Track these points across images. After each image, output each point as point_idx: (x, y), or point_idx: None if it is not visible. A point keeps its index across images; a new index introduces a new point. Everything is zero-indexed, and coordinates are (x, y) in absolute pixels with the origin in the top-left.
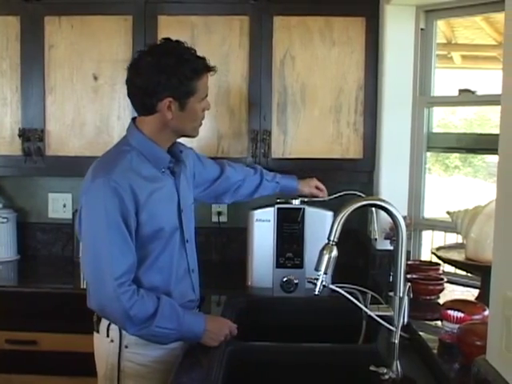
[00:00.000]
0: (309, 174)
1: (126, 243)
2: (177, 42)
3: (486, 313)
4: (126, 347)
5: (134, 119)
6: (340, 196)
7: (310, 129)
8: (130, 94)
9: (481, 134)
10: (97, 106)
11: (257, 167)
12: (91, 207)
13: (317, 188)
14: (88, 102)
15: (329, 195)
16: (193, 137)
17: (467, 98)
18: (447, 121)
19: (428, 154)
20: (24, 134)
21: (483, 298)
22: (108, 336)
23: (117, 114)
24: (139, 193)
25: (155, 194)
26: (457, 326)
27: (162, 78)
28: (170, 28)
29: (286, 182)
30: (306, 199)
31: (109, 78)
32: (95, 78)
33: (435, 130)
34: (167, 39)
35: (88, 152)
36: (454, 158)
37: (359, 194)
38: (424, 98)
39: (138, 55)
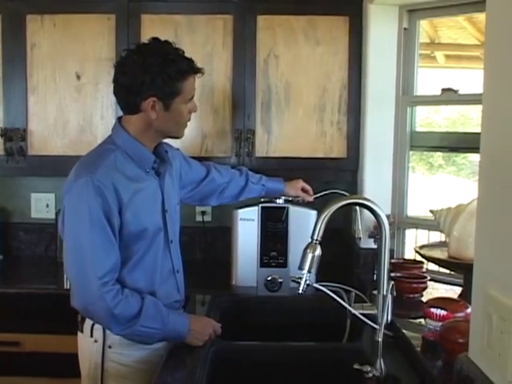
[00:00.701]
0: (293, 173)
1: (110, 242)
2: (165, 42)
3: (469, 310)
4: (110, 347)
5: (119, 118)
6: (324, 195)
7: (294, 128)
8: (115, 93)
9: (463, 133)
10: (80, 106)
11: (242, 169)
12: (74, 206)
13: (303, 189)
14: (71, 101)
15: (313, 194)
16: (177, 138)
17: (449, 97)
18: (431, 120)
19: (411, 152)
20: (6, 134)
21: (466, 296)
22: (92, 336)
23: (100, 114)
24: (123, 192)
25: (139, 194)
26: (440, 323)
27: (147, 77)
28: (154, 27)
29: (272, 185)
30: (290, 198)
31: (92, 77)
32: (78, 77)
33: (419, 129)
34: (155, 39)
35: (71, 151)
36: (438, 156)
37: (342, 192)
38: (407, 98)
39: (125, 54)
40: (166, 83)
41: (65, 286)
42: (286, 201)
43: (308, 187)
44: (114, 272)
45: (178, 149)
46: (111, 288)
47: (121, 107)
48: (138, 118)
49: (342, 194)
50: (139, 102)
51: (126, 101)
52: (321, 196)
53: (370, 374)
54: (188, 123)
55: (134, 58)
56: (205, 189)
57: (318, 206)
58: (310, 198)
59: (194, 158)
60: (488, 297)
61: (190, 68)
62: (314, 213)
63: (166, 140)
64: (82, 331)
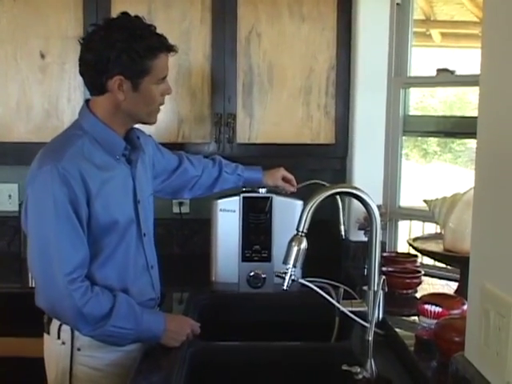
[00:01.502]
0: (277, 160)
1: (77, 235)
2: (136, 17)
3: (466, 307)
4: (79, 350)
5: (87, 101)
6: (307, 185)
7: (278, 112)
8: (81, 72)
9: (461, 117)
10: (45, 87)
11: (216, 158)
12: (38, 197)
13: (285, 179)
14: (35, 82)
15: (297, 183)
16: (149, 123)
17: (446, 78)
18: (426, 103)
19: (405, 138)
20: None
21: (462, 292)
22: (59, 338)
23: (67, 96)
24: (91, 182)
25: (109, 183)
26: (434, 321)
27: (112, 54)
28: (125, 2)
29: (249, 175)
30: (265, 190)
31: (57, 57)
32: (42, 57)
33: (412, 112)
34: (125, 13)
35: (35, 138)
36: (433, 142)
37: (323, 183)
38: (400, 79)
39: (92, 29)
40: (133, 60)
41: (30, 285)
42: (270, 190)
43: (290, 176)
44: (82, 268)
45: (150, 136)
46: (79, 285)
47: (88, 88)
48: (106, 100)
49: (322, 184)
50: (105, 80)
51: (92, 80)
52: (303, 186)
53: (360, 376)
54: (162, 107)
55: (100, 33)
56: (177, 180)
57: (304, 195)
58: (292, 189)
59: (169, 144)
60: (485, 292)
61: (160, 45)
62: (299, 203)
63: (138, 126)
64: (48, 333)
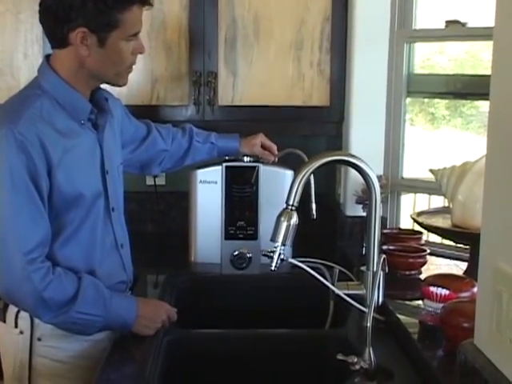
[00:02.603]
0: (264, 125)
1: (37, 209)
2: None
3: (476, 289)
4: (39, 340)
5: (47, 57)
6: (285, 154)
7: (266, 70)
8: (40, 20)
9: (472, 76)
10: None
11: (186, 127)
12: None
13: (263, 146)
14: None
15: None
16: (118, 85)
17: (456, 31)
18: (434, 61)
19: (409, 100)
20: None
21: (472, 272)
22: (16, 326)
23: (23, 51)
24: (51, 149)
25: (73, 151)
26: (440, 305)
27: (76, 1)
28: None
29: (223, 143)
30: (251, 159)
31: (11, 5)
32: None
33: (418, 71)
34: None
35: None
36: (441, 105)
37: (299, 152)
38: (404, 32)
39: None
40: (99, 11)
41: None
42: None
43: (269, 143)
44: (43, 246)
45: (118, 99)
46: (40, 266)
47: (48, 39)
48: (68, 54)
49: (299, 154)
50: (66, 32)
51: (52, 30)
52: (283, 155)
53: (357, 366)
54: (134, 67)
55: None
56: (146, 153)
57: (294, 164)
58: (272, 158)
59: (142, 107)
60: (498, 272)
61: None
62: (289, 173)
63: (106, 88)
64: (4, 321)
